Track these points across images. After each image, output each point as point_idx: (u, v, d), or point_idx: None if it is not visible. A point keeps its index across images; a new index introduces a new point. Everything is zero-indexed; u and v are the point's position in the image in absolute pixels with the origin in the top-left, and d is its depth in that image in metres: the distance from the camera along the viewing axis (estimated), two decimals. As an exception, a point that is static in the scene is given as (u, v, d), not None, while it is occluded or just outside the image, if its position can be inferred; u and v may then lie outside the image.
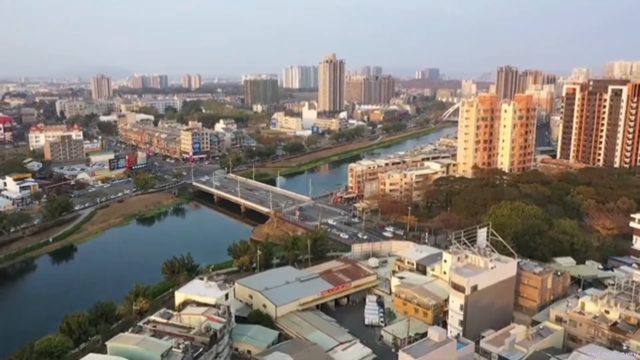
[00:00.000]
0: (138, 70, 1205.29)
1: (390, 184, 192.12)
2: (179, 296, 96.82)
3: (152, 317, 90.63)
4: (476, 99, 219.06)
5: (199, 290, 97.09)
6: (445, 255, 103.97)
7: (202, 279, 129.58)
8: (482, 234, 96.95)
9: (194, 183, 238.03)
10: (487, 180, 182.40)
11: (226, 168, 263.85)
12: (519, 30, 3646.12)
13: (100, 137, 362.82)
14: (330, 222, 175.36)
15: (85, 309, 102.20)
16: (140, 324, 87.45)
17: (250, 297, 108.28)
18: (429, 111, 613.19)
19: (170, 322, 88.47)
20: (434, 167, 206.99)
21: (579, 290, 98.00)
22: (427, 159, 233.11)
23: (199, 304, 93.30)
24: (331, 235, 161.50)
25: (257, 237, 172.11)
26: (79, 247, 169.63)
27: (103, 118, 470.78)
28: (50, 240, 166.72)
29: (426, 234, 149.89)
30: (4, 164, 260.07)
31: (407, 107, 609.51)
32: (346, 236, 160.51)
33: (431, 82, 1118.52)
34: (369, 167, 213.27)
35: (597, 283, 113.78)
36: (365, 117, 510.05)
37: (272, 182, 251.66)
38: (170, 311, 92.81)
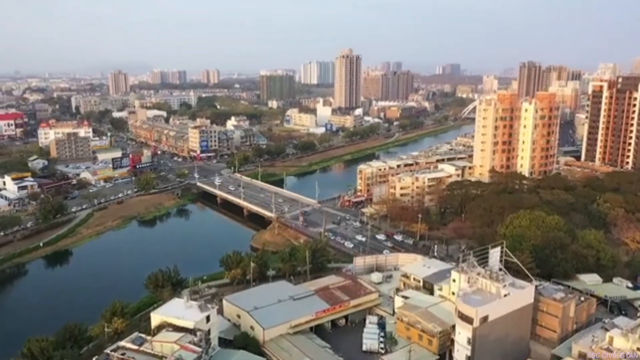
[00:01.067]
0: (161, 66, 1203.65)
1: (401, 188, 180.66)
2: (155, 318, 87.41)
3: (122, 343, 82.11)
4: (494, 97, 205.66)
5: (177, 312, 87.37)
6: (454, 274, 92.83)
7: (193, 292, 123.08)
8: (495, 254, 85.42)
9: (198, 183, 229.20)
10: (505, 185, 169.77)
11: (232, 168, 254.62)
12: (544, 25, 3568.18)
13: (109, 134, 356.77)
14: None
15: (61, 325, 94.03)
16: (108, 350, 78.93)
17: (238, 316, 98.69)
18: (448, 108, 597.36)
19: (142, 349, 79.68)
20: (448, 170, 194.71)
21: (606, 320, 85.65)
22: (442, 160, 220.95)
23: (176, 328, 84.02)
24: (334, 243, 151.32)
25: (257, 244, 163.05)
26: (71, 253, 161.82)
27: (116, 114, 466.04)
28: (41, 244, 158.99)
29: (435, 246, 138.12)
30: (7, 162, 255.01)
31: (426, 104, 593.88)
32: (351, 245, 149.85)
33: (452, 78, 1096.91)
34: (379, 169, 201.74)
35: (626, 304, 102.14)
36: (382, 114, 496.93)
37: (281, 183, 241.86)
38: (143, 336, 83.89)
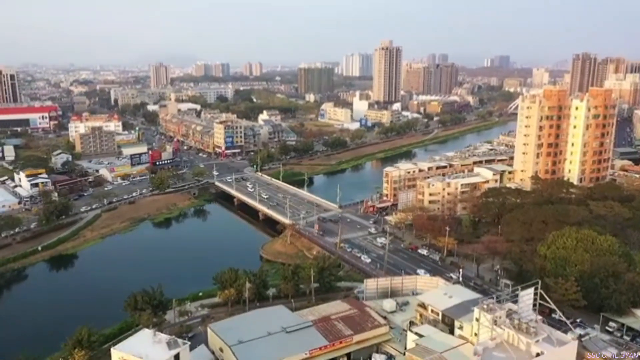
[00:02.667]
0: (206, 59, 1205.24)
1: (430, 194, 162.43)
2: (115, 355, 74.28)
3: (72, 387, 69.58)
4: (540, 93, 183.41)
5: (141, 348, 74.00)
6: (477, 312, 75.63)
7: (181, 313, 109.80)
8: (526, 297, 67.57)
9: (216, 183, 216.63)
10: (549, 195, 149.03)
11: (255, 166, 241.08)
12: (602, 13, 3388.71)
13: (137, 128, 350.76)
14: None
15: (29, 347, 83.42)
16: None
17: (221, 350, 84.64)
18: (493, 102, 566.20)
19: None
20: (485, 175, 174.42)
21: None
22: (480, 162, 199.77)
23: (136, 370, 70.59)
24: (350, 257, 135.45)
25: (267, 254, 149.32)
26: (69, 258, 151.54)
27: (150, 107, 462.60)
28: (39, 248, 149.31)
29: (461, 269, 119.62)
30: (31, 156, 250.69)
31: (469, 98, 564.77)
32: (368, 260, 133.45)
33: (500, 71, 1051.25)
34: (408, 172, 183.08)
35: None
36: (422, 109, 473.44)
37: (304, 183, 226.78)
38: (96, 378, 71.15)
